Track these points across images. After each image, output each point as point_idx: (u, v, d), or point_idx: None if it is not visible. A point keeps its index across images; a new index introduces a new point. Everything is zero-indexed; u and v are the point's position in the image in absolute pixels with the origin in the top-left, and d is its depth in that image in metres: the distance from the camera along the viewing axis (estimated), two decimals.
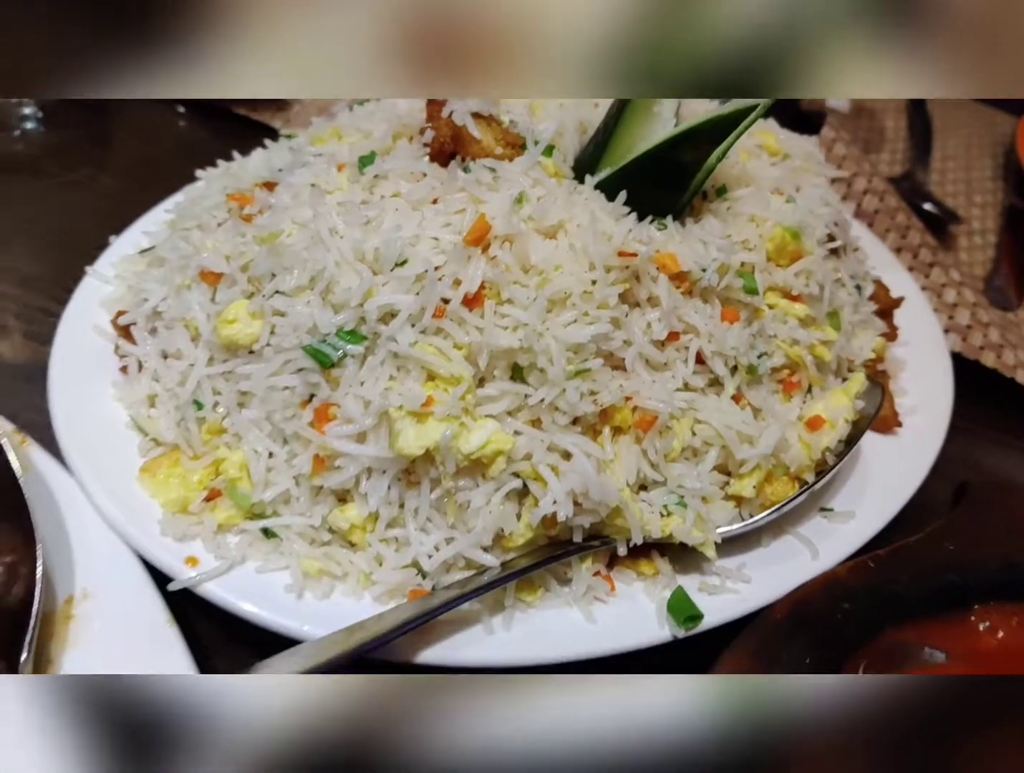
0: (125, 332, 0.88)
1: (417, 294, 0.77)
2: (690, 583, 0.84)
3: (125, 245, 0.99)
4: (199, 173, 0.99)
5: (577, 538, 0.80)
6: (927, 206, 1.50)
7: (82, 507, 0.76)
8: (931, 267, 1.36)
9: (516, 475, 0.78)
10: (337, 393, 0.77)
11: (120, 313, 0.89)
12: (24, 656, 0.64)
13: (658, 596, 0.83)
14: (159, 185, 1.08)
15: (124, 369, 0.87)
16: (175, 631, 0.70)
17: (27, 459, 0.76)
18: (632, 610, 0.82)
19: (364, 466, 0.76)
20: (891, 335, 1.15)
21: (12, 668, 0.63)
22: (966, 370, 1.19)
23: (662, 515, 0.83)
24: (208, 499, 0.78)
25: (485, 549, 0.78)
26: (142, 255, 0.95)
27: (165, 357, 0.85)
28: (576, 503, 0.77)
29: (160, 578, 0.74)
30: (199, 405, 0.81)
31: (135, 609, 0.71)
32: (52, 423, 0.81)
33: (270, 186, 0.89)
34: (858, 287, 1.06)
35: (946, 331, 1.22)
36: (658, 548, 0.85)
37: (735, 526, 0.87)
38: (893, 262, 1.29)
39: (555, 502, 0.76)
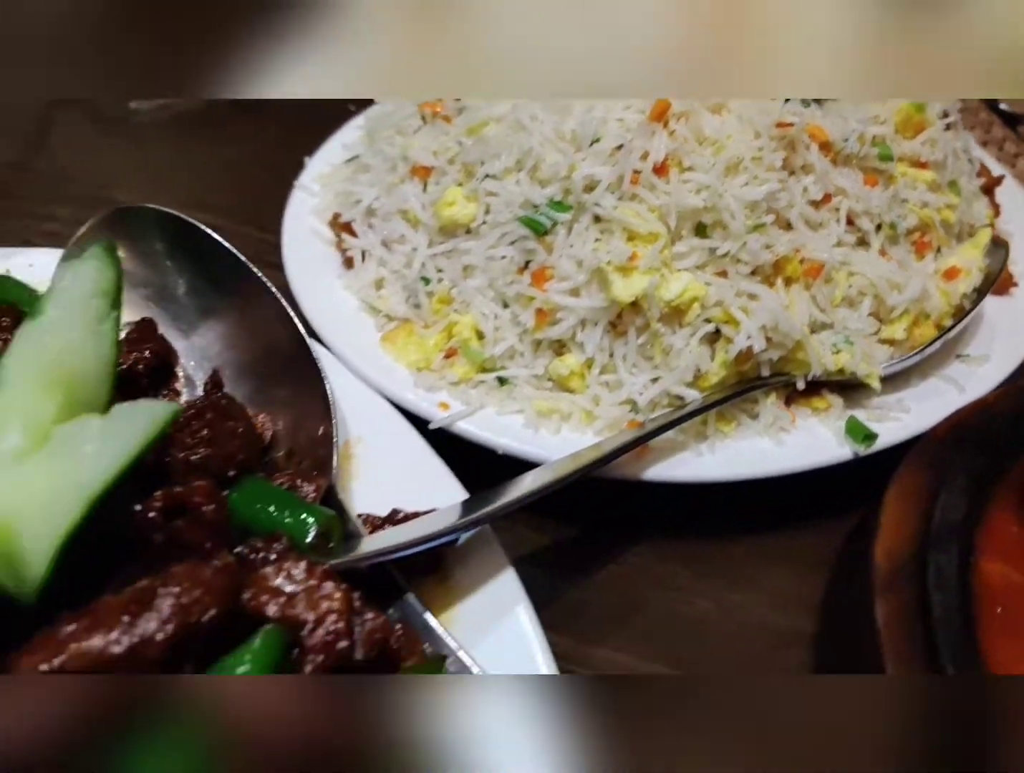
0: (346, 228, 1.00)
1: (613, 165, 0.88)
2: (858, 415, 0.94)
3: (319, 164, 1.11)
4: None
5: (765, 372, 0.91)
6: (1003, 106, 1.59)
7: (340, 373, 0.87)
8: (1016, 157, 1.46)
9: (708, 321, 0.89)
10: (552, 257, 0.88)
11: (336, 215, 1.01)
12: (334, 469, 0.76)
13: (833, 425, 0.93)
14: (319, 128, 1.20)
15: (348, 262, 0.99)
16: (440, 461, 0.82)
17: None
18: (813, 436, 0.92)
19: (580, 317, 0.87)
20: (994, 211, 1.25)
21: (328, 479, 0.75)
22: None
23: (833, 353, 0.94)
24: (446, 357, 0.90)
25: (686, 386, 0.89)
26: (347, 164, 1.07)
27: (386, 246, 0.97)
28: (766, 339, 0.88)
29: (416, 424, 0.86)
30: (426, 281, 0.93)
31: (403, 447, 0.83)
32: (301, 310, 0.93)
33: None
34: (969, 161, 1.16)
35: None
36: (827, 387, 0.96)
37: (892, 362, 0.97)
38: (982, 153, 1.38)
39: (749, 337, 0.87)
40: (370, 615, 0.59)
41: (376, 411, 0.86)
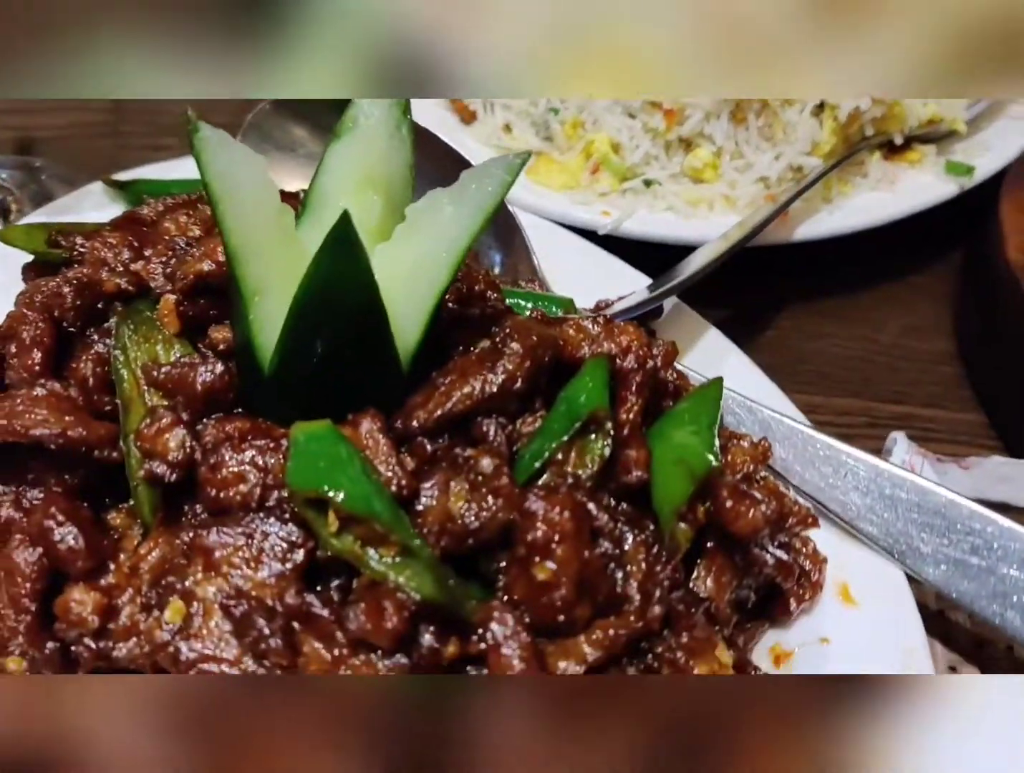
0: None
1: None
2: (950, 157, 1.06)
3: None
4: None
5: (869, 132, 1.01)
6: None
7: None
8: None
9: None
10: None
11: None
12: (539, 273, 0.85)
13: (931, 172, 1.05)
14: None
15: (468, 117, 1.07)
16: (616, 258, 0.91)
17: None
18: (917, 184, 1.04)
19: (705, 111, 0.97)
20: None
21: (542, 281, 0.85)
22: None
23: (922, 106, 1.04)
24: (591, 173, 0.99)
25: (806, 156, 0.99)
26: None
27: None
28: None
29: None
30: (555, 111, 1.01)
31: (580, 253, 0.92)
32: None
33: None
34: None
35: None
36: (916, 141, 1.07)
37: (968, 108, 1.08)
38: None
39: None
40: (659, 341, 0.69)
41: (543, 230, 0.94)
